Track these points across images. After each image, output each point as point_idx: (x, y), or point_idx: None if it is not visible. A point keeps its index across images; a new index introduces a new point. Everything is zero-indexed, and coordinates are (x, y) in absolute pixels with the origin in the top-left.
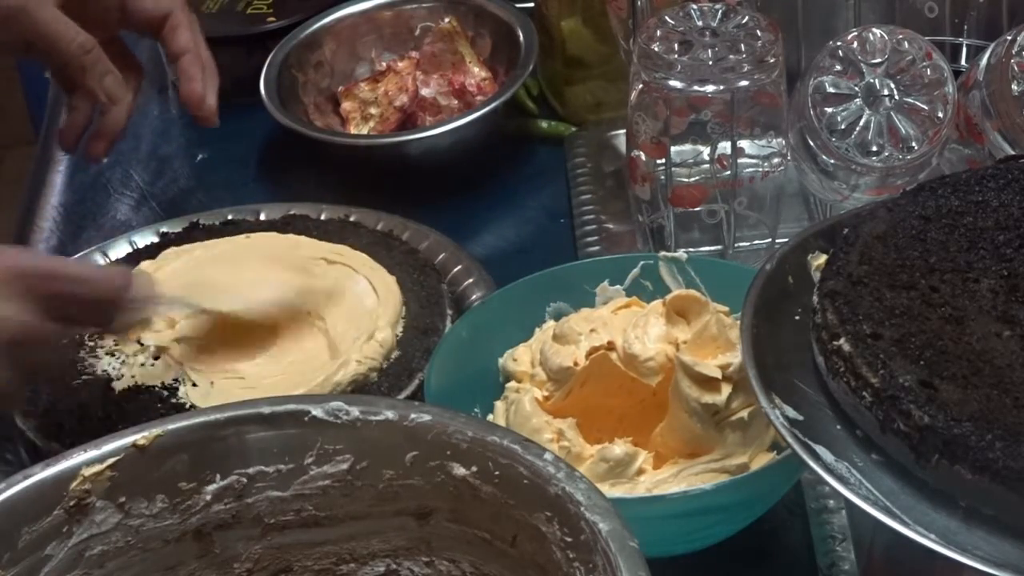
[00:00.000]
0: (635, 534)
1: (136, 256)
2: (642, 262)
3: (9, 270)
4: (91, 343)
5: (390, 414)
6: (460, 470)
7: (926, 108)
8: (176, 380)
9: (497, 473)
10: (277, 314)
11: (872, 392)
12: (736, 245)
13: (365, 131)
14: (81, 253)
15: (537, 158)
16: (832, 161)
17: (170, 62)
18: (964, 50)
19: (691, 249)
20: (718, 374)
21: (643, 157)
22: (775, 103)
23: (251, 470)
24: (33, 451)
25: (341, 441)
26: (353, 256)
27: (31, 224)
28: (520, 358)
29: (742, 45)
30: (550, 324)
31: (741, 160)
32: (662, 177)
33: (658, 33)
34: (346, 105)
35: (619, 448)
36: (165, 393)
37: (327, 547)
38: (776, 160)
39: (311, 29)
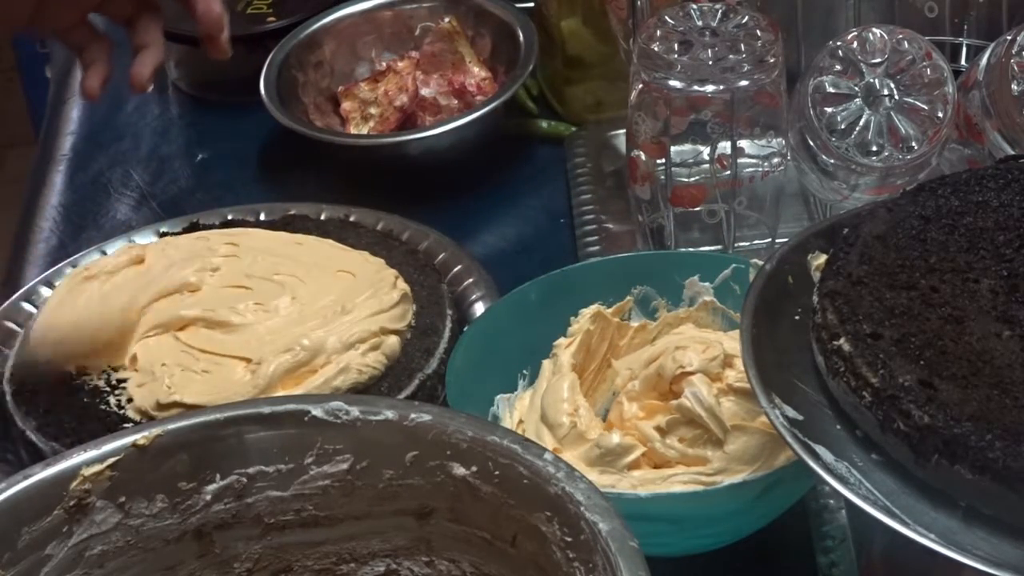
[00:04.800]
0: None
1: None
2: (733, 264)
3: None
4: None
5: (390, 414)
6: (460, 470)
7: (926, 108)
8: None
9: (497, 473)
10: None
11: (872, 392)
12: (736, 245)
13: (365, 131)
14: (81, 253)
15: (537, 158)
16: (832, 161)
17: None
18: (964, 50)
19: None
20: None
21: (643, 157)
22: (775, 103)
23: (251, 470)
24: (33, 451)
25: (341, 441)
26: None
27: (31, 224)
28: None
29: (742, 45)
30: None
31: (741, 160)
32: (662, 177)
33: (658, 33)
34: (346, 105)
35: (616, 438)
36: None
37: (327, 547)
38: (776, 160)
39: (311, 29)
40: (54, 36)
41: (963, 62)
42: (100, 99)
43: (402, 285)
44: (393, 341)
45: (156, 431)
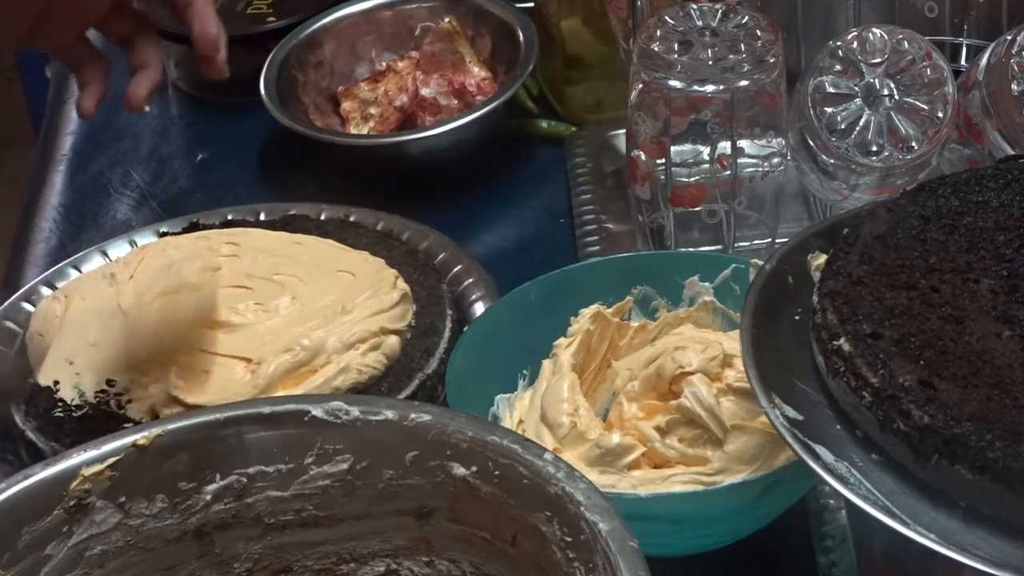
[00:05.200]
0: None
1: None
2: (733, 264)
3: None
4: None
5: (390, 414)
6: (460, 470)
7: (926, 108)
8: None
9: (497, 473)
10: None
11: (872, 392)
12: (736, 245)
13: (365, 131)
14: (81, 253)
15: (537, 158)
16: (832, 161)
17: (180, 9)
18: (964, 50)
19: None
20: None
21: (643, 157)
22: (775, 103)
23: (251, 470)
24: (33, 451)
25: (341, 441)
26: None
27: (31, 224)
28: (516, 407)
29: (742, 45)
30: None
31: (741, 160)
32: (662, 177)
33: (658, 33)
34: (346, 105)
35: (616, 438)
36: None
37: (327, 547)
38: (776, 160)
39: (311, 29)
40: (51, 53)
41: (963, 62)
42: (95, 118)
43: (402, 285)
44: (393, 341)
45: (156, 431)
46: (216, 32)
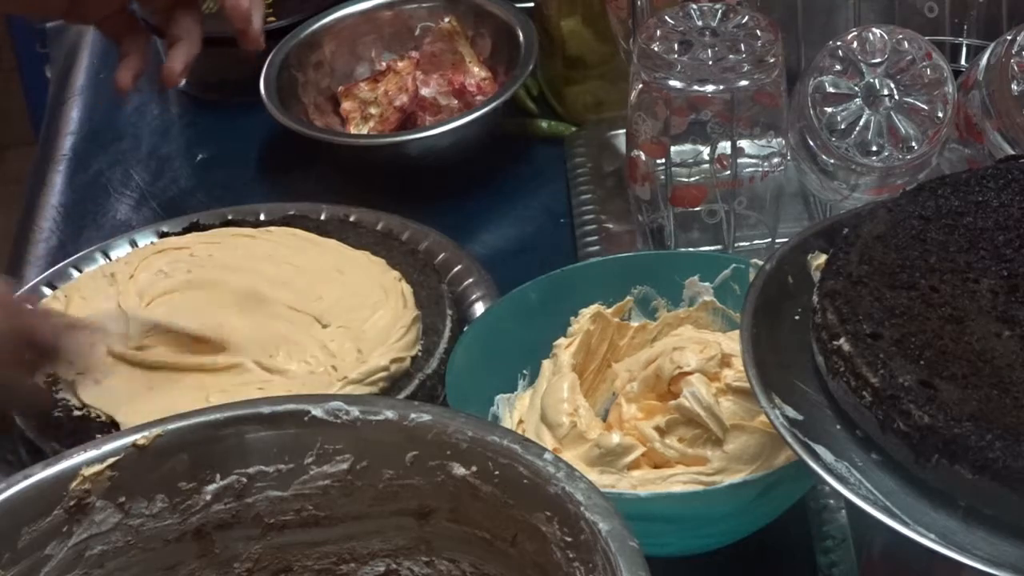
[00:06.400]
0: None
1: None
2: (733, 264)
3: None
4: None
5: (390, 414)
6: (460, 470)
7: (926, 108)
8: None
9: (497, 473)
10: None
11: (872, 392)
12: (736, 245)
13: (365, 131)
14: (81, 253)
15: (537, 158)
16: (832, 161)
17: None
18: (964, 50)
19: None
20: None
21: (643, 157)
22: (775, 103)
23: (251, 470)
24: (33, 451)
25: (341, 441)
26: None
27: (31, 224)
28: (516, 406)
29: (742, 45)
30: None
31: (741, 160)
32: (662, 177)
33: (658, 33)
34: (346, 105)
35: (616, 438)
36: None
37: (327, 547)
38: (776, 160)
39: (311, 29)
40: (93, 25)
41: (963, 62)
42: (128, 93)
43: (411, 304)
44: (404, 367)
45: (156, 431)
46: (247, 5)
